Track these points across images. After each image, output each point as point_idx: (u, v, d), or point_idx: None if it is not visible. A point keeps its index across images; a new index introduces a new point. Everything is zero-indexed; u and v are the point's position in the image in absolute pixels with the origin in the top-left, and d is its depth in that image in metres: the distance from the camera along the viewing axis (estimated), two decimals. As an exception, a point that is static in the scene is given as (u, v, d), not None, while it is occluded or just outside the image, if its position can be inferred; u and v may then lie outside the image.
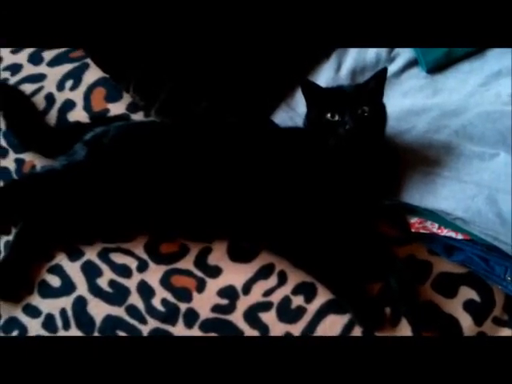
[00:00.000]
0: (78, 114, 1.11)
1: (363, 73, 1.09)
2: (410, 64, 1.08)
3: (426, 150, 0.95)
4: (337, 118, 0.87)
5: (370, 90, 0.90)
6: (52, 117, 1.11)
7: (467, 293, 0.87)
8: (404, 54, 1.09)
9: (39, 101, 1.13)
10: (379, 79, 0.91)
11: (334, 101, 0.88)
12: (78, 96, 1.13)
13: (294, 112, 1.06)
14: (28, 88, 1.14)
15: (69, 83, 1.14)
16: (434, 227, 0.90)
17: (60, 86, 1.14)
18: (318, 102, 0.90)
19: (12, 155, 1.07)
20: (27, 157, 1.07)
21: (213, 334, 0.87)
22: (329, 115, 0.87)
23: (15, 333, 0.90)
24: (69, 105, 1.12)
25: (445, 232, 0.89)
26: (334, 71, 1.09)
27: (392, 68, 1.08)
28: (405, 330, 0.85)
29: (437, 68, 1.06)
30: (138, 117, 1.10)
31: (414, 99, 1.03)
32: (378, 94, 0.92)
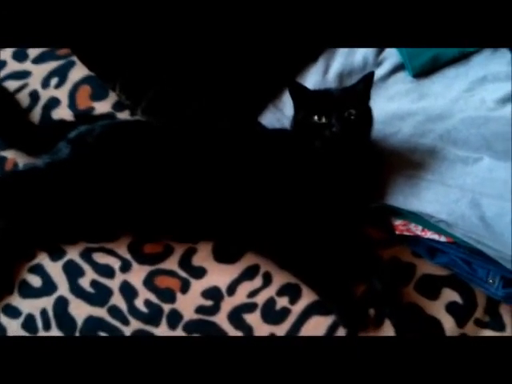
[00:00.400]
0: (63, 112, 1.10)
1: (351, 76, 1.09)
2: (397, 68, 1.09)
3: (411, 154, 0.96)
4: (323, 120, 0.87)
5: (356, 93, 0.90)
6: (36, 114, 1.10)
7: (450, 295, 0.88)
8: (391, 59, 1.09)
9: (23, 98, 1.11)
10: (366, 83, 0.92)
11: (321, 103, 0.88)
12: (62, 94, 1.11)
13: (281, 113, 1.06)
14: (12, 85, 1.13)
15: (54, 81, 1.13)
16: (417, 229, 0.91)
17: (45, 84, 1.13)
18: (305, 104, 0.90)
19: (-6, 152, 1.06)
20: (9, 154, 1.05)
21: (197, 336, 0.86)
22: (316, 117, 0.88)
23: (-6, 333, 0.88)
24: (53, 102, 1.11)
25: (428, 234, 0.90)
26: (322, 74, 1.10)
27: (379, 72, 1.08)
28: (388, 331, 0.85)
29: (423, 73, 1.07)
30: (123, 116, 1.09)
31: (400, 103, 1.04)
32: (365, 98, 0.92)
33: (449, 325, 0.85)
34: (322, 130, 0.87)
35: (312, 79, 1.09)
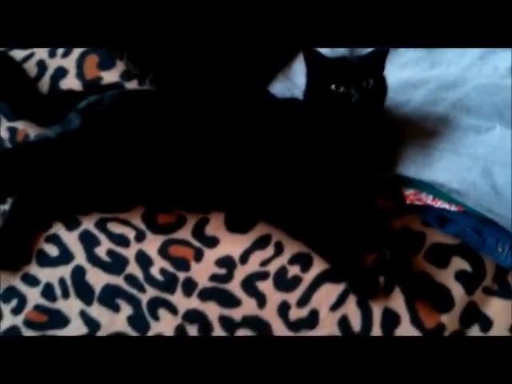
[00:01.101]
0: (71, 82, 1.09)
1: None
2: (409, 35, 1.07)
3: (423, 123, 0.95)
4: (342, 89, 0.87)
5: (373, 63, 0.90)
6: (44, 84, 1.09)
7: (459, 263, 0.89)
8: (403, 26, 1.08)
9: (30, 68, 1.11)
10: (382, 52, 0.91)
11: (339, 72, 0.87)
12: (70, 63, 1.10)
13: (291, 83, 1.05)
14: (19, 54, 1.11)
15: (60, 50, 1.11)
16: (428, 199, 0.92)
17: (52, 53, 1.12)
18: (322, 73, 0.89)
19: (5, 123, 1.06)
20: (20, 125, 1.05)
21: (211, 303, 0.88)
22: (333, 86, 0.87)
23: (14, 301, 0.90)
24: (61, 72, 1.10)
25: (439, 204, 0.91)
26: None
27: (390, 39, 1.07)
28: (398, 299, 0.87)
29: (435, 39, 1.06)
30: (131, 85, 1.08)
31: (412, 71, 1.03)
32: (381, 67, 0.92)
33: (458, 293, 0.86)
34: (340, 99, 0.87)
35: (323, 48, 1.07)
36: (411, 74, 1.02)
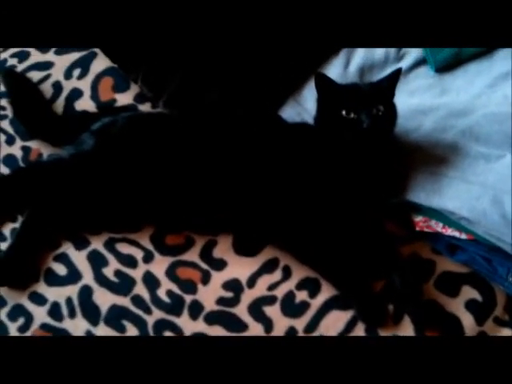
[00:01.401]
0: (85, 103, 1.11)
1: (371, 70, 1.09)
2: (419, 63, 1.08)
3: (433, 150, 0.96)
4: (352, 115, 0.87)
5: (383, 90, 0.90)
6: (59, 105, 1.11)
7: (469, 292, 0.88)
8: (413, 53, 1.09)
9: (46, 89, 1.13)
10: (393, 79, 0.92)
11: (350, 98, 0.88)
12: (85, 85, 1.13)
13: (301, 107, 1.06)
14: (35, 75, 1.14)
15: (76, 72, 1.14)
16: (438, 226, 0.91)
17: (67, 75, 1.14)
18: (333, 98, 0.90)
19: (19, 142, 1.07)
20: (34, 144, 1.07)
21: (218, 327, 0.88)
22: (344, 112, 0.88)
23: (21, 320, 0.90)
24: (76, 93, 1.12)
25: (449, 231, 0.90)
26: (343, 68, 1.10)
27: (400, 66, 1.08)
28: (407, 327, 0.86)
29: (445, 68, 1.07)
30: (145, 108, 1.10)
31: (422, 98, 1.04)
32: (391, 94, 0.93)
33: (468, 322, 0.86)
34: (350, 126, 0.87)
35: (333, 72, 1.09)
36: (420, 100, 1.03)
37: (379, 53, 1.10)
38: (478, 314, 0.86)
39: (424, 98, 1.04)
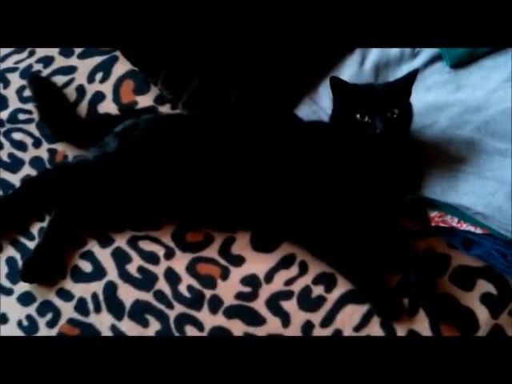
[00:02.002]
0: (108, 106, 1.15)
1: (387, 67, 1.10)
2: (434, 59, 1.09)
3: (448, 146, 0.96)
4: (366, 119, 0.88)
5: (399, 91, 0.91)
6: (83, 108, 1.15)
7: (484, 286, 0.89)
8: (428, 49, 1.09)
9: (70, 92, 1.17)
10: (409, 80, 0.92)
11: (364, 101, 0.88)
12: (107, 88, 1.16)
13: (317, 106, 1.08)
14: (60, 80, 1.18)
15: (99, 75, 1.18)
16: (453, 221, 0.92)
17: (90, 78, 1.18)
18: (348, 101, 0.90)
19: (45, 145, 1.11)
20: (60, 147, 1.11)
21: (236, 320, 0.90)
22: (358, 116, 0.88)
23: (49, 315, 0.94)
24: (99, 97, 1.16)
25: (464, 226, 0.91)
26: (358, 66, 1.11)
27: (416, 63, 1.09)
28: (422, 321, 0.87)
29: (460, 63, 1.07)
30: (165, 109, 1.13)
31: (437, 94, 1.04)
32: (407, 95, 0.93)
33: (483, 316, 0.86)
34: (364, 129, 0.88)
35: (349, 70, 1.10)
36: (436, 96, 1.04)
37: (394, 50, 1.10)
38: (493, 308, 0.87)
39: (439, 94, 1.05)
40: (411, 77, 0.92)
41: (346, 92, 0.91)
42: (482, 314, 0.87)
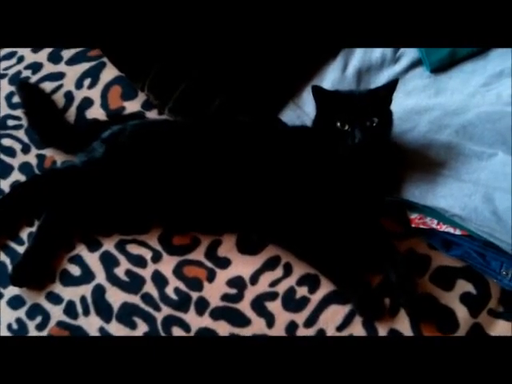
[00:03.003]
0: (96, 112, 1.16)
1: (369, 72, 1.12)
2: (414, 64, 1.11)
3: (428, 149, 0.98)
4: (346, 127, 0.90)
5: (379, 98, 0.92)
6: (71, 114, 1.17)
7: (464, 286, 0.91)
8: (409, 54, 1.12)
9: (59, 98, 1.18)
10: (390, 88, 0.94)
11: (344, 110, 0.90)
12: (95, 94, 1.18)
13: (301, 111, 1.10)
14: (48, 86, 1.20)
15: (87, 81, 1.19)
16: (433, 223, 0.94)
17: (78, 85, 1.19)
18: (329, 109, 0.92)
19: (34, 151, 1.13)
20: (48, 152, 1.12)
21: (222, 322, 0.92)
22: (339, 124, 0.90)
23: (39, 318, 0.96)
24: (87, 102, 1.17)
25: (443, 228, 0.93)
26: (341, 71, 1.13)
27: (396, 68, 1.11)
28: (403, 320, 0.89)
29: (440, 68, 1.09)
30: (152, 114, 1.15)
31: (417, 99, 1.06)
32: (387, 103, 0.95)
33: (462, 314, 0.88)
34: (344, 138, 0.90)
35: (331, 75, 1.12)
36: (416, 101, 1.06)
37: (376, 55, 1.13)
38: (473, 307, 0.89)
39: (420, 98, 1.07)
40: (392, 85, 0.94)
41: (327, 100, 0.93)
42: (462, 313, 0.89)
